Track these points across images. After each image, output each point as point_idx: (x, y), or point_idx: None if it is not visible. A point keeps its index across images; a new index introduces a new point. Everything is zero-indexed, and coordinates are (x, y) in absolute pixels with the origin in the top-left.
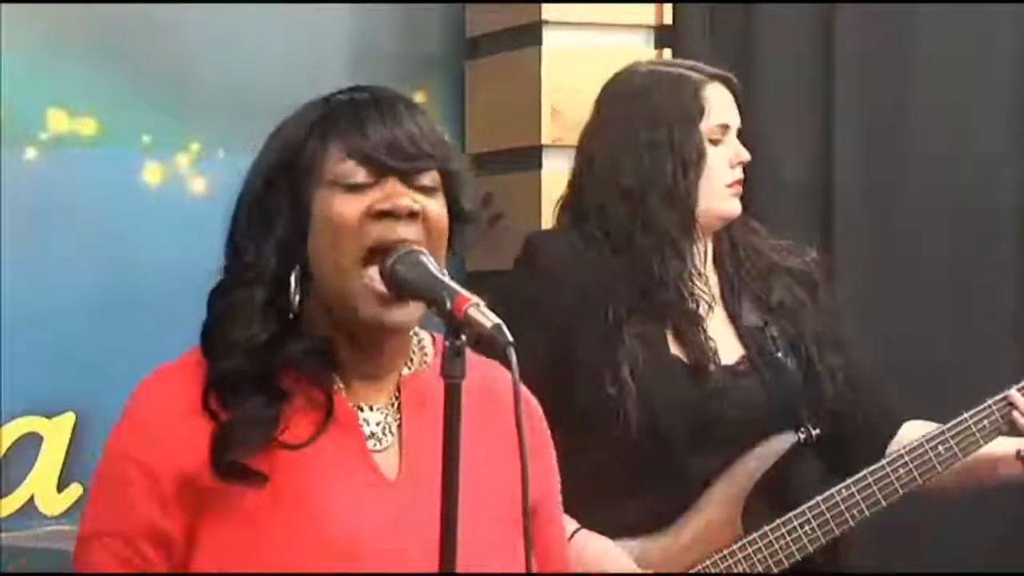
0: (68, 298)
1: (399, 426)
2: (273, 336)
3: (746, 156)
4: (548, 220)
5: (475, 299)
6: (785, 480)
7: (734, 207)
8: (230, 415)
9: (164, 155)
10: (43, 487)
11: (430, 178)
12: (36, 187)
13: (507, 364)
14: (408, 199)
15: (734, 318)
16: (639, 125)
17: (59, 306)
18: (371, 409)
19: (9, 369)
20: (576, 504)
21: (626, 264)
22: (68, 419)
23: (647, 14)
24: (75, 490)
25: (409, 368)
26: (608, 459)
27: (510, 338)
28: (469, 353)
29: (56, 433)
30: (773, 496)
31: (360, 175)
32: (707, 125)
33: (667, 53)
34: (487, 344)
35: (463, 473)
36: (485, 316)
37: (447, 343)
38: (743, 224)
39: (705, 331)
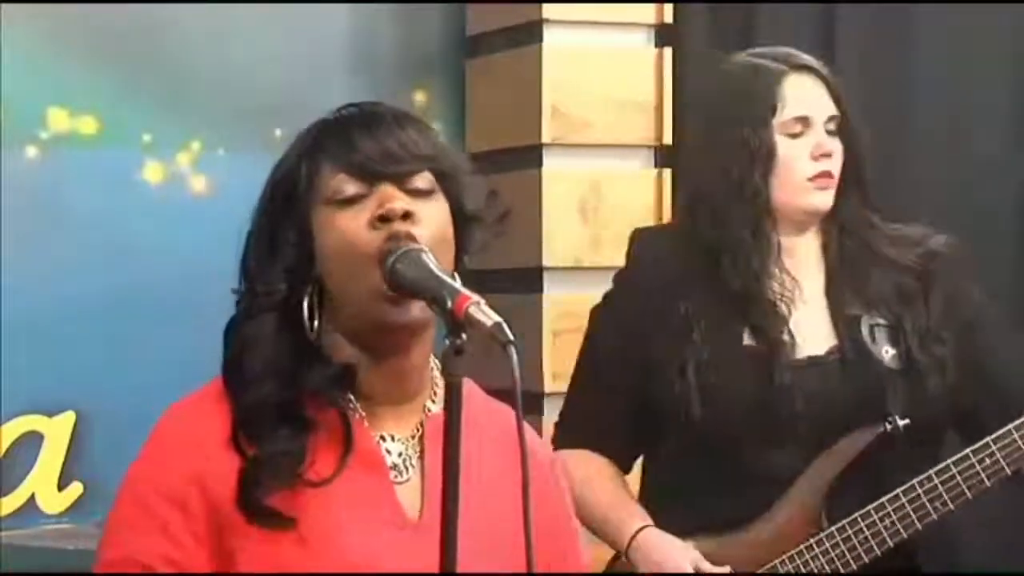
0: (68, 298)
1: (420, 458)
2: (292, 363)
3: (828, 148)
4: (548, 219)
5: (476, 297)
6: (873, 474)
7: (818, 200)
8: (257, 450)
9: (164, 154)
10: (44, 486)
11: (424, 180)
12: (36, 186)
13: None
14: (401, 201)
15: (833, 310)
16: (712, 123)
17: (59, 306)
18: (393, 439)
19: (9, 368)
20: (655, 503)
21: (705, 261)
22: (68, 418)
23: (647, 13)
24: (75, 489)
25: (434, 402)
26: (682, 457)
27: (510, 337)
28: (484, 396)
29: (56, 432)
30: (861, 491)
31: (352, 187)
32: (781, 119)
33: (667, 52)
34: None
35: (479, 512)
36: (486, 315)
37: (447, 341)
38: (856, 217)
39: (785, 322)
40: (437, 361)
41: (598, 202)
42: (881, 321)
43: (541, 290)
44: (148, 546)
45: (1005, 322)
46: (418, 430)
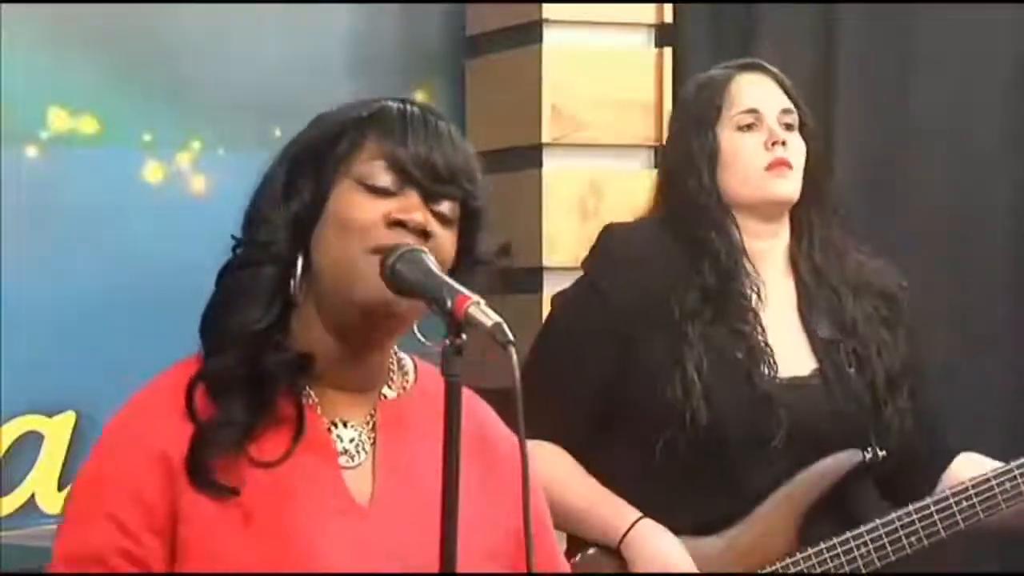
0: (68, 297)
1: (373, 445)
2: (270, 326)
3: (780, 136)
4: (548, 219)
5: (475, 298)
6: (850, 499)
7: (776, 188)
8: (210, 414)
9: (165, 154)
10: (44, 485)
11: (450, 208)
12: (36, 186)
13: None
14: (423, 215)
15: (808, 328)
16: (673, 135)
17: (59, 305)
18: (345, 426)
19: (9, 368)
20: (635, 503)
21: (688, 262)
22: (68, 418)
23: (647, 13)
24: None
25: (391, 389)
26: (668, 460)
27: (510, 337)
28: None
29: (56, 432)
30: (835, 514)
31: (384, 179)
32: (730, 115)
33: (667, 52)
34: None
35: (434, 497)
36: (486, 315)
37: (447, 342)
38: (828, 232)
39: (764, 332)
40: (396, 349)
41: (598, 202)
42: (857, 349)
43: (541, 290)
44: (104, 538)
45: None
46: (372, 416)
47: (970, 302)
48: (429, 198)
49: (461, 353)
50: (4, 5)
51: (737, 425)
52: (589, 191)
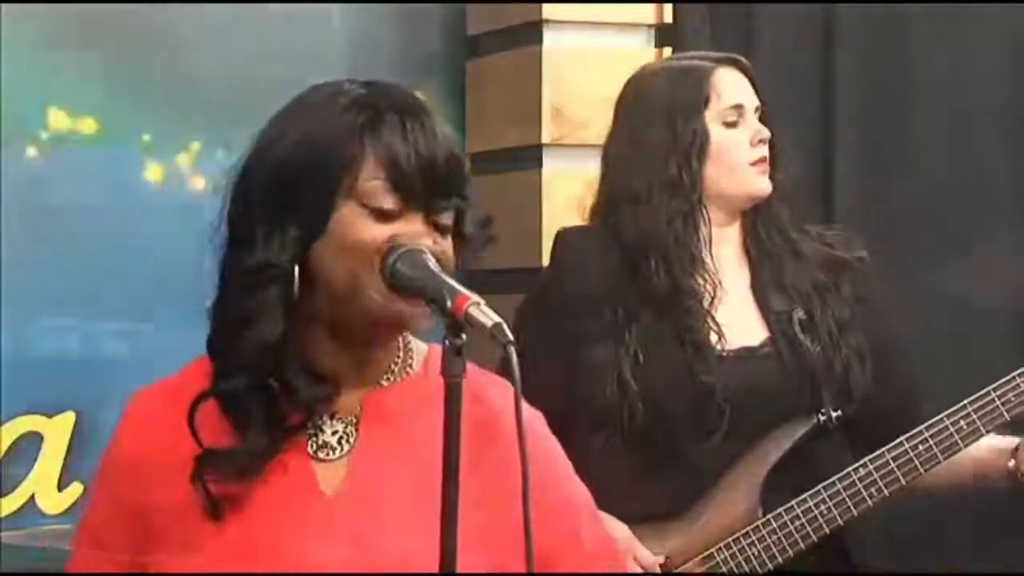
0: (68, 297)
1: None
2: (285, 338)
3: (766, 133)
4: (548, 219)
5: (476, 298)
6: (808, 463)
7: (760, 185)
8: (228, 438)
9: (164, 154)
10: (43, 486)
11: (449, 218)
12: (36, 187)
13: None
14: (430, 240)
15: (760, 303)
16: (645, 124)
17: (59, 305)
18: (332, 418)
19: (9, 369)
20: (599, 492)
21: (631, 262)
22: (68, 418)
23: (647, 13)
24: (75, 489)
25: (389, 380)
26: (620, 452)
27: (510, 337)
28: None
29: (56, 432)
30: (795, 480)
31: (388, 201)
32: (718, 109)
33: (667, 52)
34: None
35: (423, 483)
36: (486, 315)
37: (447, 342)
38: (771, 210)
39: (713, 319)
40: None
41: None
42: (805, 315)
43: None
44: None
45: (900, 327)
46: (359, 408)
47: (970, 301)
48: (431, 214)
49: (461, 353)
50: (4, 5)
51: (678, 421)
52: (589, 191)
